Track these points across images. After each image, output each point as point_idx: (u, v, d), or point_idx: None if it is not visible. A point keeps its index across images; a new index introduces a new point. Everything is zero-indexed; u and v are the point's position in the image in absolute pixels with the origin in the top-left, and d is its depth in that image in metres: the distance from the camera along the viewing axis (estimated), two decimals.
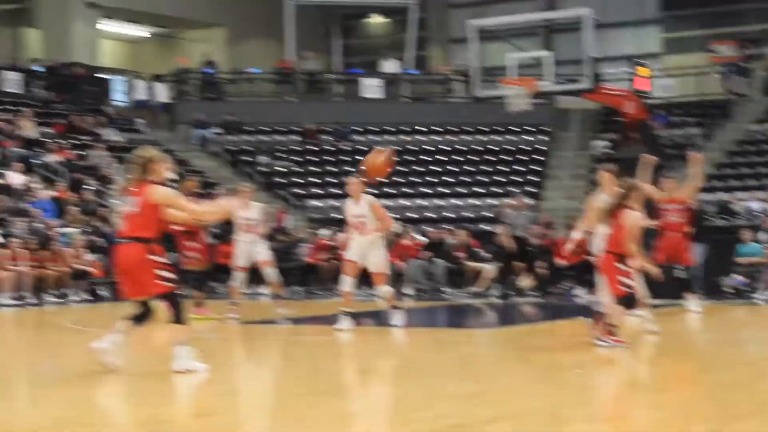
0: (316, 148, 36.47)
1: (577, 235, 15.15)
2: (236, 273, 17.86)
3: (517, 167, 35.61)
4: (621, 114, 25.15)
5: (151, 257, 10.30)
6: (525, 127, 36.72)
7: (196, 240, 17.74)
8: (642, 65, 35.94)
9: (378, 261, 15.09)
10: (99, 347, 10.67)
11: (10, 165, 28.83)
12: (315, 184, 33.94)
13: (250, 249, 17.67)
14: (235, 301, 17.73)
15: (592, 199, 14.74)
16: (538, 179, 34.80)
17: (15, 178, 27.96)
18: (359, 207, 15.13)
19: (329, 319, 16.55)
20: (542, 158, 36.09)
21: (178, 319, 10.46)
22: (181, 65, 39.09)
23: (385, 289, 15.20)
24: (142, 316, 10.80)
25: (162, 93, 37.94)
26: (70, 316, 19.94)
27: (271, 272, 17.82)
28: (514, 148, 36.68)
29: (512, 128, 36.82)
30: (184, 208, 10.63)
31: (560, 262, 23.38)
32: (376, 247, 15.09)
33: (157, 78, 37.92)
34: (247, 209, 17.54)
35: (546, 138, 36.99)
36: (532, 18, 30.94)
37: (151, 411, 8.78)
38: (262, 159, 34.93)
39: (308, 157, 36.07)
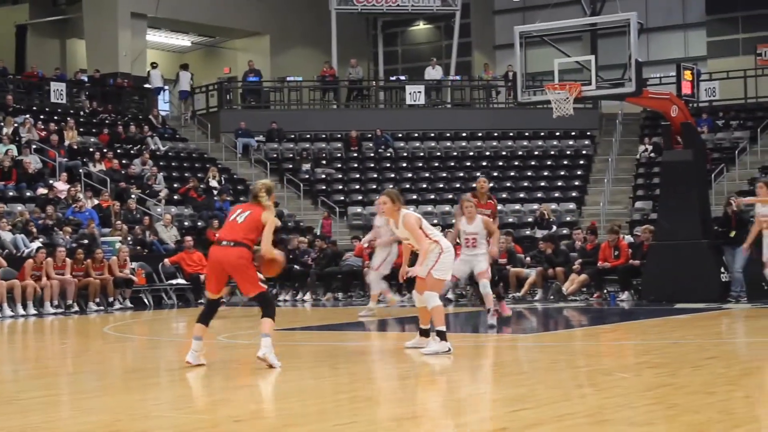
0: (359, 155, 36.47)
1: None
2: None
3: (560, 172, 35.49)
4: (666, 118, 24.89)
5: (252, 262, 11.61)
6: (569, 132, 36.64)
7: None
8: (687, 69, 35.68)
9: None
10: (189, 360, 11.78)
11: (56, 175, 29.06)
12: (356, 191, 33.92)
13: (471, 261, 16.92)
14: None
15: None
16: (582, 184, 34.66)
17: (60, 187, 28.16)
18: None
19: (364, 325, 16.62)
20: (586, 163, 35.96)
21: (271, 314, 11.50)
22: (225, 74, 39.29)
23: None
24: (211, 314, 11.97)
25: (185, 81, 38.49)
26: (113, 323, 20.03)
27: (485, 284, 17.20)
28: (557, 153, 36.60)
29: (556, 133, 36.74)
30: (267, 238, 11.58)
31: (604, 266, 23.30)
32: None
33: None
34: (471, 223, 16.74)
35: (590, 143, 36.88)
36: (576, 23, 30.68)
37: (192, 417, 8.78)
38: (305, 167, 34.96)
39: (350, 165, 36.08)
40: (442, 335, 12.66)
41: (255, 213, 11.60)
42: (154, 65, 39.06)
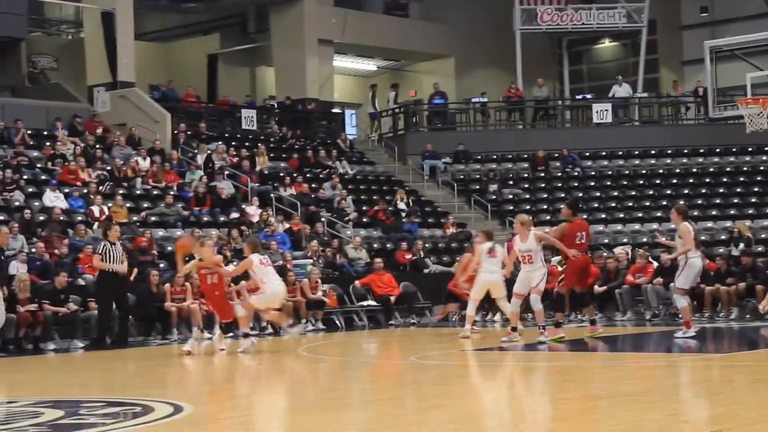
0: (546, 175, 36.25)
1: None
2: (514, 299, 18.43)
3: (754, 188, 34.60)
4: None
5: None
6: (762, 147, 35.70)
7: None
8: None
9: None
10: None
11: (248, 199, 29.71)
12: (544, 211, 33.68)
13: (528, 277, 17.93)
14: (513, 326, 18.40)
15: None
16: None
17: (252, 211, 28.76)
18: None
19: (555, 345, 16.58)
20: None
21: None
22: (411, 97, 39.58)
23: None
24: None
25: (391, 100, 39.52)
26: (307, 344, 20.34)
27: (532, 299, 18.11)
28: (750, 169, 35.70)
29: (749, 149, 35.86)
30: None
31: None
32: None
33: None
34: (524, 240, 17.81)
35: None
36: None
37: None
38: (492, 187, 34.91)
39: (538, 184, 35.89)
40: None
41: None
42: (373, 87, 40.14)
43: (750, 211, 33.15)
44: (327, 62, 40.14)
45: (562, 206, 19.04)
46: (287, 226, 28.48)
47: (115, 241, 20.81)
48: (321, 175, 33.76)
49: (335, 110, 40.40)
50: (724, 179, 35.31)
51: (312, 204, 30.92)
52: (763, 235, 31.23)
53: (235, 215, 28.56)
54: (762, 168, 35.68)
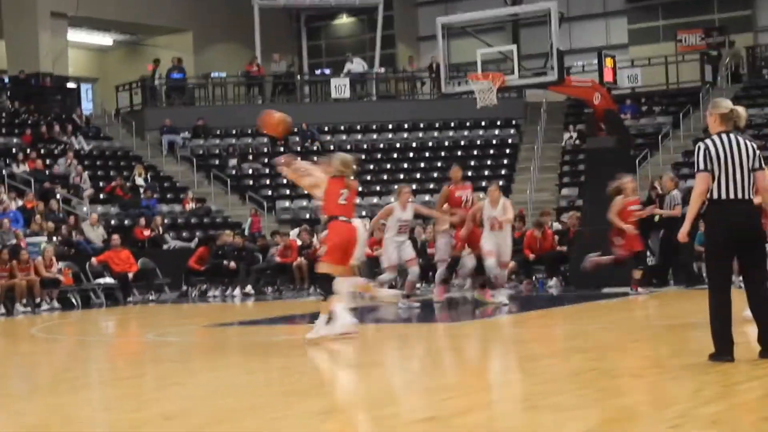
0: (285, 150, 36.37)
1: None
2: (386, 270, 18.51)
3: (487, 161, 35.69)
4: (589, 105, 25.18)
5: None
6: (494, 122, 36.84)
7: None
8: (608, 56, 36.02)
9: None
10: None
11: None
12: (284, 186, 33.85)
13: (401, 248, 18.29)
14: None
15: None
16: (508, 172, 34.90)
17: None
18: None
19: (301, 318, 16.72)
20: (512, 152, 36.19)
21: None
22: (149, 71, 38.90)
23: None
24: None
25: None
26: (41, 324, 19.84)
27: (414, 271, 18.45)
28: (483, 143, 36.79)
29: (481, 123, 36.94)
30: None
31: (529, 254, 23.52)
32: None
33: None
34: (404, 210, 18.23)
35: (515, 131, 37.11)
36: (498, 13, 30.89)
37: (122, 416, 8.73)
38: (231, 162, 34.86)
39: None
40: None
41: None
42: (156, 61, 38.72)
43: (483, 184, 34.10)
44: (61, 36, 39.10)
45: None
46: (20, 203, 27.68)
47: None
48: (56, 151, 32.94)
49: (70, 85, 39.40)
50: (458, 153, 36.24)
51: (46, 180, 30.14)
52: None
53: None
54: (494, 142, 36.82)
